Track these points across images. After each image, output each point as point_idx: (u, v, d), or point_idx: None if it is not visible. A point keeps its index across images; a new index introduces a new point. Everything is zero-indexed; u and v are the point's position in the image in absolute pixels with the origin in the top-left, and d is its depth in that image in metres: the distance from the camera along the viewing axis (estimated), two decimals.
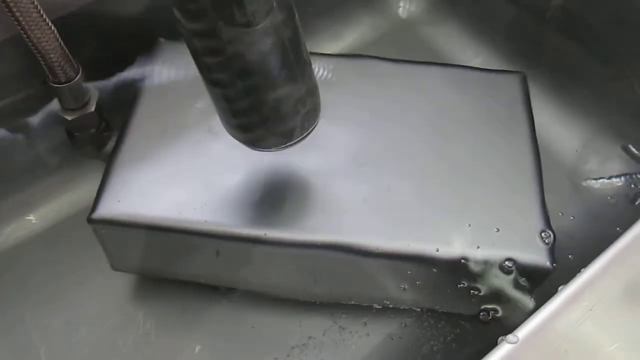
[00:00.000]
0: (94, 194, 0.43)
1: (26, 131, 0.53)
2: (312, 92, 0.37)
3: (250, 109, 0.35)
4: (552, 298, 0.29)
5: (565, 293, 0.29)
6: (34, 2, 0.41)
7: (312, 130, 0.38)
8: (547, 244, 0.41)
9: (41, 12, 0.42)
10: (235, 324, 0.50)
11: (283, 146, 0.38)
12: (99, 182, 0.44)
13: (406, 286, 0.45)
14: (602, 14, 0.55)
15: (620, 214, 0.52)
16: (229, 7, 0.29)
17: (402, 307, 0.48)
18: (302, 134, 0.38)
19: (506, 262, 0.41)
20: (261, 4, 0.30)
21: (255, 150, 0.38)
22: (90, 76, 0.50)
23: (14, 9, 0.41)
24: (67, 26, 0.46)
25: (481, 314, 0.45)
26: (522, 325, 0.28)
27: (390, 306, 0.48)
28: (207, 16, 0.29)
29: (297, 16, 0.33)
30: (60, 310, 0.50)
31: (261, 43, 0.31)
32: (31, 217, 0.56)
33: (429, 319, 0.48)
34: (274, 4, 0.30)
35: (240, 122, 0.36)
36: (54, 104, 0.50)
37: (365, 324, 0.49)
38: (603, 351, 0.29)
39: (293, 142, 0.38)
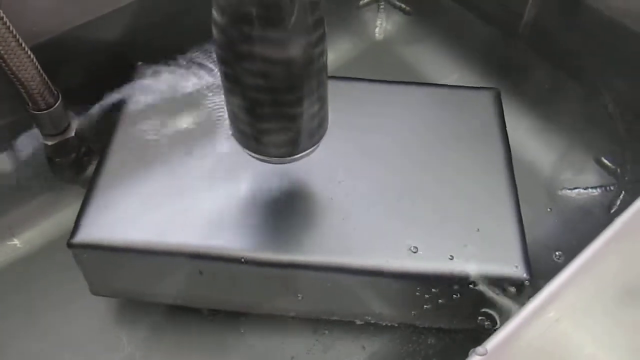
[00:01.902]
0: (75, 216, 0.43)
1: (7, 157, 0.53)
2: (326, 106, 0.38)
3: (271, 117, 0.36)
4: (520, 309, 0.30)
5: (533, 304, 0.30)
6: (12, 32, 0.42)
7: (318, 144, 0.40)
8: (523, 256, 0.42)
9: (20, 40, 0.43)
10: (219, 345, 0.50)
11: (291, 158, 0.39)
12: (79, 205, 0.44)
13: (386, 302, 0.45)
14: (573, 31, 0.56)
15: (597, 224, 0.53)
16: (265, 9, 0.30)
17: (383, 323, 0.48)
18: (313, 145, 0.39)
19: (483, 275, 0.41)
20: (296, 10, 0.31)
21: (262, 160, 0.39)
22: (70, 101, 0.50)
23: None
24: (46, 52, 0.47)
25: (460, 327, 0.46)
26: (491, 337, 0.29)
27: (372, 322, 0.48)
28: (243, 15, 0.31)
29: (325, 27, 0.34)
30: (43, 334, 0.50)
31: (292, 47, 0.32)
32: (15, 242, 0.56)
33: (410, 334, 0.49)
34: (309, 13, 0.31)
35: (256, 130, 0.37)
36: (35, 130, 0.50)
37: (348, 341, 0.50)
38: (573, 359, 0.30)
39: (302, 154, 0.39)
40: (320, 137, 0.39)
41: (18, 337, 0.50)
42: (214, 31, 0.33)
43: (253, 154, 0.39)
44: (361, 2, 0.71)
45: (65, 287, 0.51)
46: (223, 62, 0.34)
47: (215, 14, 0.32)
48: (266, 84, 0.34)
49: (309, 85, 0.35)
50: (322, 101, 0.37)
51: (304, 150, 0.39)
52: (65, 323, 0.51)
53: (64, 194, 0.57)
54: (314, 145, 0.39)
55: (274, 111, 0.35)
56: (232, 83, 0.35)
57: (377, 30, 0.71)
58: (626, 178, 0.54)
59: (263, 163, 0.45)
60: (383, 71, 0.61)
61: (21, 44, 0.43)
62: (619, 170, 0.55)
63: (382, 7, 0.71)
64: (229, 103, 0.37)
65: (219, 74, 0.36)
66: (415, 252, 0.42)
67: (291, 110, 0.35)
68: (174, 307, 0.49)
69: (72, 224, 0.43)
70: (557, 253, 0.50)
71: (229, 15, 0.31)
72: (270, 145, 0.38)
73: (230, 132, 0.40)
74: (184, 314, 0.51)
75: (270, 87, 0.34)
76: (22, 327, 0.51)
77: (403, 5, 0.71)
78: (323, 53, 0.34)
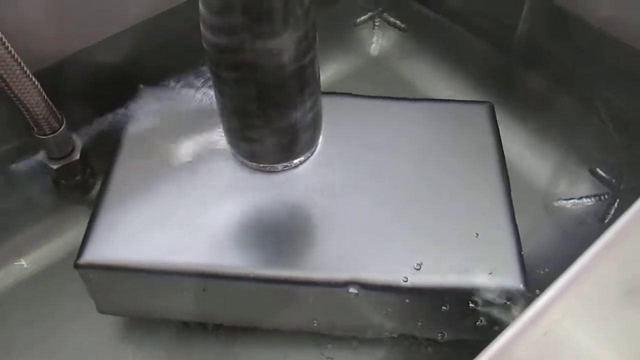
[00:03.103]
0: (81, 237, 0.44)
1: (14, 180, 0.54)
2: (319, 112, 0.39)
3: (264, 123, 0.37)
4: (514, 321, 0.31)
5: (526, 316, 0.30)
6: (16, 59, 0.43)
7: (312, 151, 0.40)
8: (520, 267, 0.43)
9: (24, 68, 0.44)
10: None
11: (285, 164, 0.40)
12: (85, 226, 0.45)
13: (387, 315, 0.46)
14: (565, 44, 0.57)
15: (592, 233, 0.53)
16: (256, 16, 0.31)
17: (385, 335, 0.49)
18: (306, 152, 0.40)
19: (479, 287, 0.42)
20: (286, 16, 0.31)
21: (256, 168, 0.40)
22: (74, 124, 0.52)
23: None
24: (50, 77, 0.48)
25: (458, 337, 0.47)
26: (485, 349, 0.30)
27: (373, 334, 0.49)
28: (235, 25, 0.31)
29: (317, 36, 0.34)
30: (50, 352, 0.51)
31: (284, 54, 0.33)
32: (22, 262, 0.56)
33: (410, 345, 0.49)
34: (299, 18, 0.32)
35: (249, 138, 0.38)
36: (40, 154, 0.51)
37: (350, 352, 0.50)
38: None
39: (295, 161, 0.40)
40: (314, 144, 0.40)
41: (25, 355, 0.51)
42: (205, 44, 0.34)
43: (247, 162, 0.39)
44: (357, 21, 0.72)
45: (71, 305, 0.52)
46: (215, 73, 0.35)
47: (204, 30, 0.33)
48: (257, 91, 0.34)
49: (301, 90, 0.35)
50: (315, 107, 0.38)
51: (297, 157, 0.39)
52: (72, 340, 0.52)
53: (70, 215, 0.57)
54: (307, 152, 0.40)
55: (266, 117, 0.36)
56: (225, 93, 0.36)
57: (372, 47, 0.72)
58: (621, 187, 0.55)
59: (264, 180, 0.46)
60: (379, 87, 0.62)
61: (25, 72, 0.44)
62: (613, 180, 0.56)
63: (377, 25, 0.72)
64: (222, 113, 0.38)
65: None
66: (413, 267, 0.43)
67: (283, 116, 0.36)
68: (179, 322, 0.50)
69: (77, 244, 0.44)
70: (553, 263, 0.51)
71: (218, 30, 0.32)
72: (264, 152, 0.39)
73: (226, 141, 0.40)
74: (188, 330, 0.51)
75: (261, 95, 0.35)
76: (29, 345, 0.51)
77: (398, 22, 0.72)
78: (314, 59, 0.35)
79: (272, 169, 0.40)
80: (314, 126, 0.39)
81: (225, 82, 0.35)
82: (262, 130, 0.37)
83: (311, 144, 0.40)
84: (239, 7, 0.31)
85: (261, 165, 0.40)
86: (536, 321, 0.31)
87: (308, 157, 0.40)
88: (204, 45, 0.34)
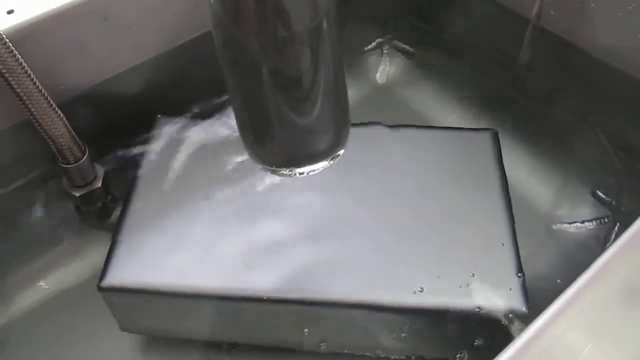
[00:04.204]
0: (102, 260, 0.46)
1: (38, 206, 0.56)
2: (346, 117, 0.37)
3: (286, 124, 0.35)
4: (511, 343, 0.32)
5: (524, 336, 0.32)
6: (43, 93, 0.45)
7: (337, 157, 0.39)
8: (521, 290, 0.44)
9: (50, 101, 0.46)
10: None
11: (309, 167, 0.38)
12: (105, 250, 0.47)
13: (395, 336, 0.47)
14: (564, 71, 0.59)
15: (594, 256, 0.55)
16: (272, 16, 0.29)
17: (392, 357, 0.50)
18: (330, 155, 0.38)
19: (483, 310, 0.43)
20: (304, 17, 0.30)
21: (273, 172, 0.38)
22: (96, 152, 0.53)
23: (25, 99, 0.44)
24: (73, 109, 0.50)
25: (466, 358, 0.48)
26: None
27: (382, 356, 0.50)
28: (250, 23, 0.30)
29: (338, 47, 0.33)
30: None
31: (304, 52, 0.31)
32: (42, 284, 0.58)
33: None
34: (317, 21, 0.31)
35: (266, 139, 0.37)
36: (64, 181, 0.53)
37: None
38: None
39: (320, 163, 0.38)
40: (335, 151, 0.38)
41: None
42: (218, 40, 0.32)
43: (265, 166, 0.38)
44: (366, 48, 0.73)
45: (91, 325, 0.54)
46: (231, 61, 0.33)
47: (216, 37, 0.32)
48: (280, 80, 0.32)
49: (317, 89, 0.33)
50: (335, 110, 0.36)
51: (319, 160, 0.38)
52: (91, 358, 0.54)
53: (91, 239, 0.59)
54: (327, 158, 0.38)
55: (283, 118, 0.34)
56: (242, 85, 0.34)
57: (379, 74, 0.74)
58: (622, 209, 0.56)
59: (278, 205, 0.48)
60: (385, 113, 0.63)
61: (51, 105, 0.46)
62: (614, 202, 0.57)
63: (385, 51, 0.74)
64: (237, 111, 0.36)
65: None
66: (420, 290, 0.44)
67: (300, 117, 0.34)
68: (195, 340, 0.52)
69: (97, 267, 0.46)
70: (554, 283, 0.52)
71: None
72: (280, 154, 0.37)
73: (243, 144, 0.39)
74: (205, 348, 0.53)
75: (278, 91, 0.33)
76: None
77: (407, 47, 0.73)
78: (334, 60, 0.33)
79: (290, 173, 0.38)
80: (333, 131, 0.37)
81: (246, 80, 0.33)
82: (280, 131, 0.36)
83: (331, 151, 0.38)
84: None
85: (277, 168, 0.38)
86: (536, 339, 0.32)
87: (332, 160, 0.39)
88: (218, 46, 0.32)
